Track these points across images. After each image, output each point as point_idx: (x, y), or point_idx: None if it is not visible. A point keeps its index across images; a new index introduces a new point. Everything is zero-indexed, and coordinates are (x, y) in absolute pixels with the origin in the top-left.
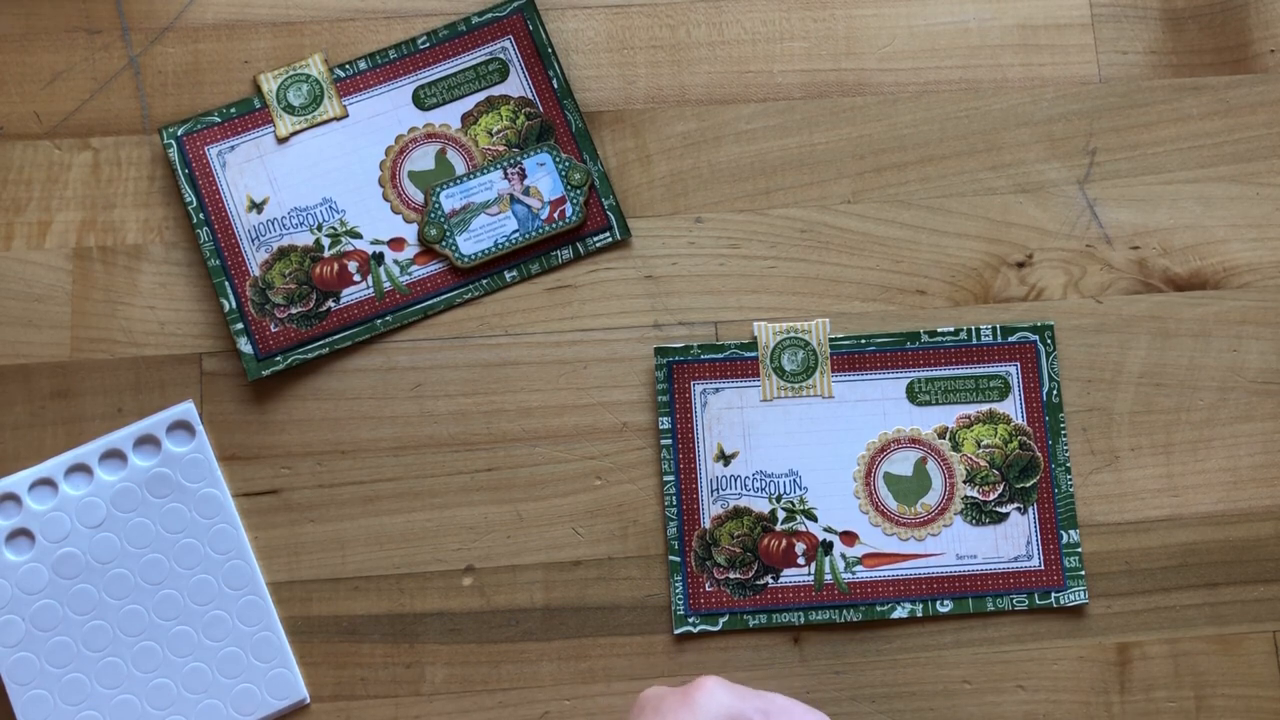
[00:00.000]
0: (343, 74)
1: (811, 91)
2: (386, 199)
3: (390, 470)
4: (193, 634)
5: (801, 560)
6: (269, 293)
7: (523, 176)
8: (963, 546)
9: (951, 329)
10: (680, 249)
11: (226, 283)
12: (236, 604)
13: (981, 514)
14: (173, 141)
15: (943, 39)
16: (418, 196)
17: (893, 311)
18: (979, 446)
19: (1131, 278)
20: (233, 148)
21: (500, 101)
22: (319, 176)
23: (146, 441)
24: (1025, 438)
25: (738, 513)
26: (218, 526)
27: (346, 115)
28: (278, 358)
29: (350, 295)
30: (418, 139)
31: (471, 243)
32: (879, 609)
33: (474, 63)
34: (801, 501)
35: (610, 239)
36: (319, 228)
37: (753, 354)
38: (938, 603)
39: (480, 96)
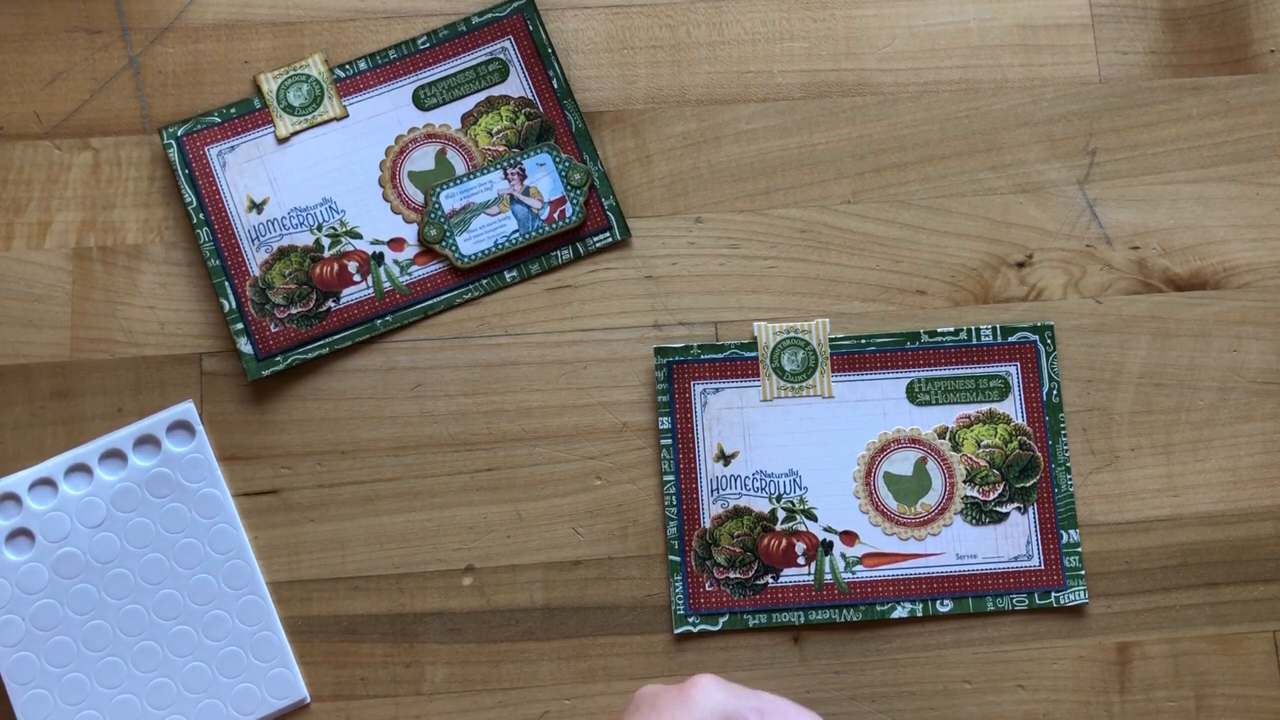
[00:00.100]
0: (343, 74)
1: (811, 91)
2: (386, 199)
3: (390, 470)
4: (193, 634)
5: (801, 560)
6: (269, 293)
7: (523, 177)
8: (963, 546)
9: (951, 329)
10: (680, 249)
11: (226, 283)
12: (236, 604)
13: (981, 514)
14: (173, 141)
15: (943, 39)
16: (418, 197)
17: (893, 311)
18: (979, 446)
19: (1131, 278)
20: (233, 148)
21: (500, 101)
22: (319, 176)
23: (146, 441)
24: (1025, 438)
25: (738, 512)
26: (218, 526)
27: (346, 115)
28: (278, 358)
29: (350, 295)
30: (418, 139)
31: (471, 243)
32: (879, 609)
33: (474, 63)
34: (801, 501)
35: (610, 239)
36: (319, 228)
37: (753, 354)
38: (938, 602)
39: (480, 96)
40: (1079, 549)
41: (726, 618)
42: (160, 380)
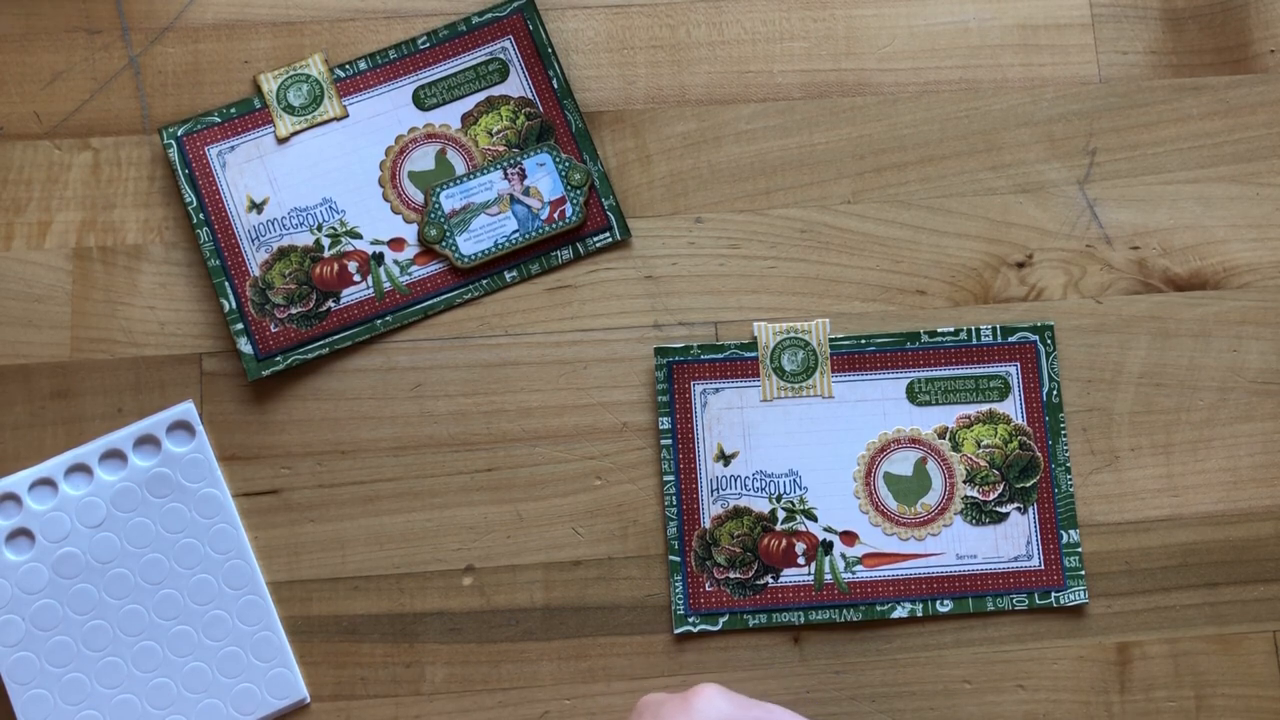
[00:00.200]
0: (343, 74)
1: (811, 91)
2: (386, 199)
3: (390, 470)
4: (193, 634)
5: (801, 560)
6: (269, 293)
7: (523, 176)
8: (963, 546)
9: (951, 329)
10: (680, 249)
11: (226, 283)
12: (236, 604)
13: (981, 514)
14: (173, 141)
15: (943, 39)
16: (418, 197)
17: (893, 311)
18: (979, 446)
19: (1131, 278)
20: (233, 148)
21: (500, 101)
22: (319, 176)
23: (146, 441)
24: (1025, 438)
25: (738, 513)
26: (218, 526)
27: (346, 115)
28: (278, 358)
29: (350, 295)
30: (418, 139)
31: (471, 243)
32: (879, 609)
33: (474, 63)
34: (801, 501)
35: (610, 239)
36: (319, 228)
37: (753, 354)
38: (938, 602)
39: (480, 96)
40: (1079, 549)
41: (726, 618)
42: (160, 380)
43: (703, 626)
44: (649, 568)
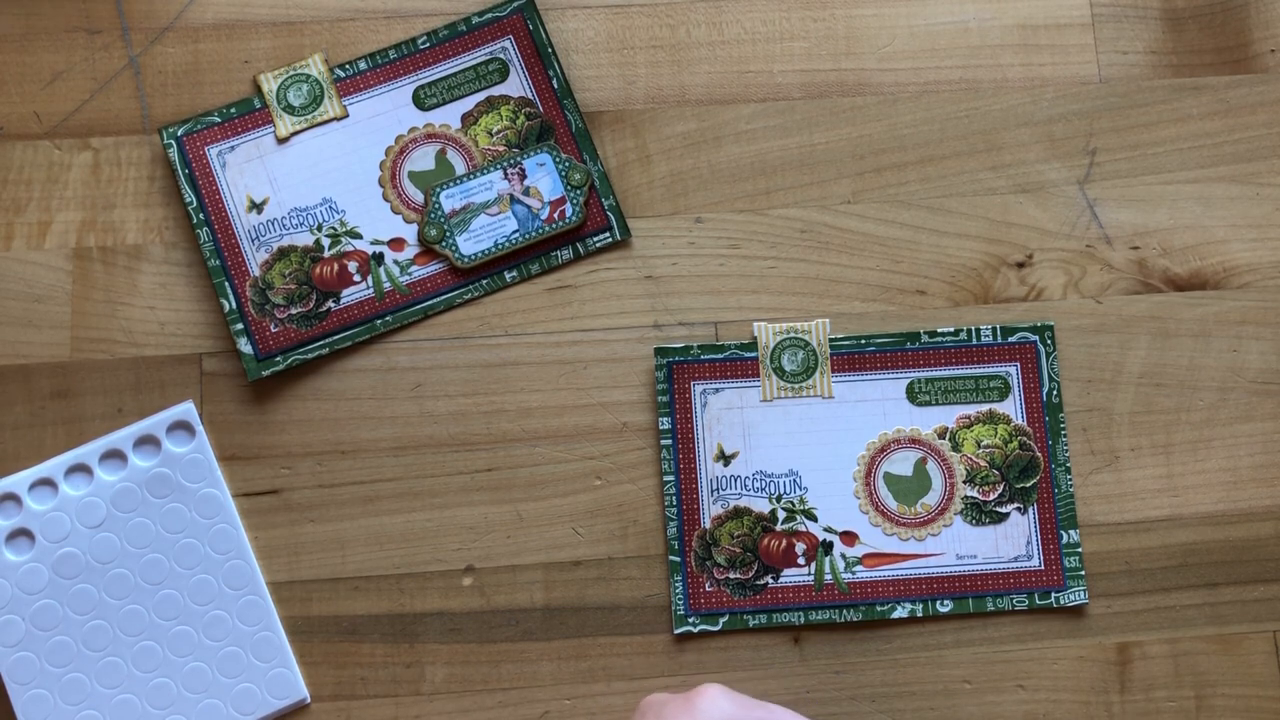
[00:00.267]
0: (343, 74)
1: (811, 91)
2: (386, 199)
3: (390, 470)
4: (193, 634)
5: (801, 560)
6: (269, 293)
7: (523, 176)
8: (963, 546)
9: (951, 329)
10: (680, 249)
11: (226, 283)
12: (236, 604)
13: (981, 514)
14: (173, 141)
15: (943, 39)
16: (418, 196)
17: (893, 311)
18: (979, 446)
19: (1131, 278)
20: (233, 148)
21: (500, 101)
22: (319, 176)
23: (146, 441)
24: (1025, 438)
25: (738, 513)
26: (218, 526)
27: (346, 115)
28: (278, 358)
29: (350, 295)
30: (418, 139)
31: (471, 243)
32: (879, 609)
33: (474, 63)
34: (801, 501)
35: (610, 239)
36: (319, 228)
37: (753, 354)
38: (938, 603)
39: (480, 96)
40: (1079, 549)
41: (726, 618)
42: (160, 380)
43: (703, 627)
44: (649, 568)
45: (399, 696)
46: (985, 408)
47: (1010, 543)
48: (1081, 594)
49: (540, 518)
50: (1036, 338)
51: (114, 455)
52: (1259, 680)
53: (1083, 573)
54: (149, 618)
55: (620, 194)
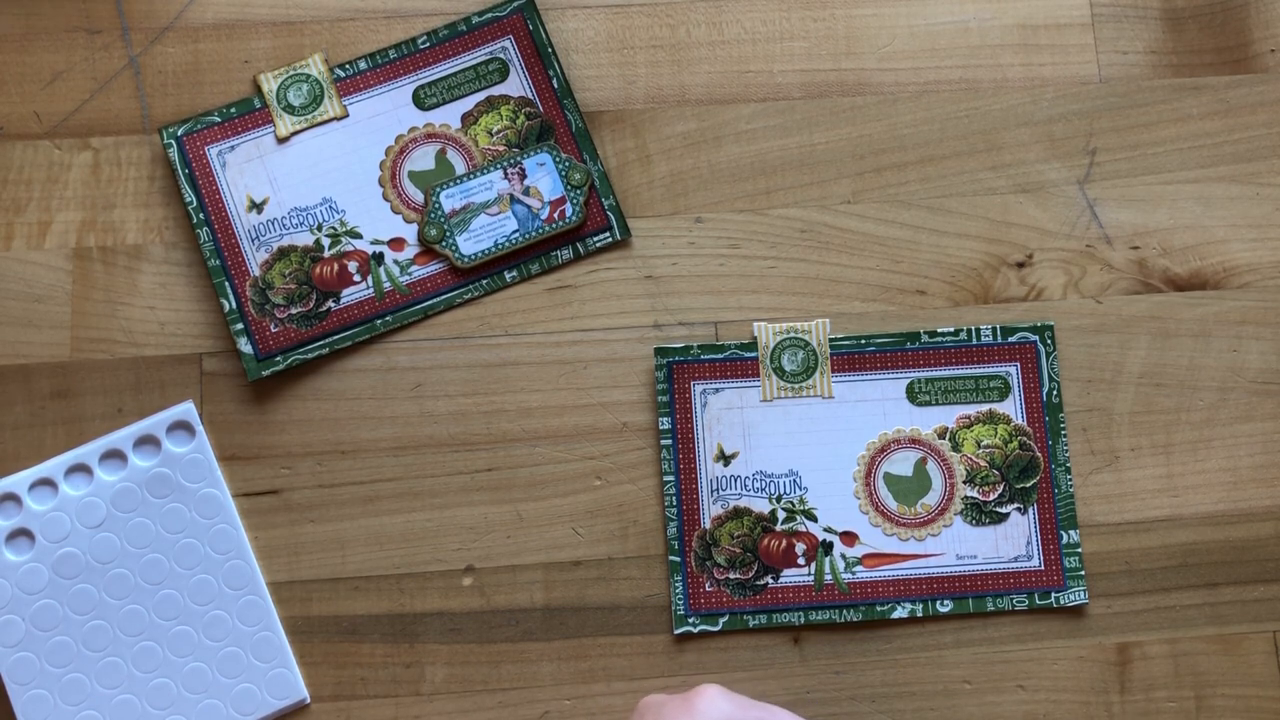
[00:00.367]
0: (343, 74)
1: (811, 91)
2: (386, 199)
3: (390, 470)
4: (193, 634)
5: (801, 560)
6: (269, 293)
7: (523, 176)
8: (963, 547)
9: (951, 329)
10: (680, 249)
11: (226, 283)
12: (236, 604)
13: (981, 514)
14: (173, 141)
15: (943, 39)
16: (418, 196)
17: (893, 311)
18: (979, 447)
19: (1131, 278)
20: (233, 148)
21: (500, 101)
22: (319, 176)
23: (146, 441)
24: (1025, 438)
25: (738, 513)
26: (218, 526)
27: (346, 115)
28: (278, 358)
29: (350, 295)
30: (418, 139)
31: (471, 243)
32: (879, 609)
33: (474, 63)
34: (801, 501)
35: (610, 239)
36: (319, 228)
37: (753, 354)
38: (938, 603)
39: (480, 96)
40: (1079, 549)
41: (726, 618)
42: (160, 380)
43: (703, 627)
44: (649, 568)
45: (399, 697)
46: (985, 408)
47: (1010, 543)
48: (1081, 594)
49: (540, 518)
50: (1036, 338)
51: (114, 455)
52: (1259, 680)
53: (1083, 573)
54: (149, 618)
55: (620, 194)
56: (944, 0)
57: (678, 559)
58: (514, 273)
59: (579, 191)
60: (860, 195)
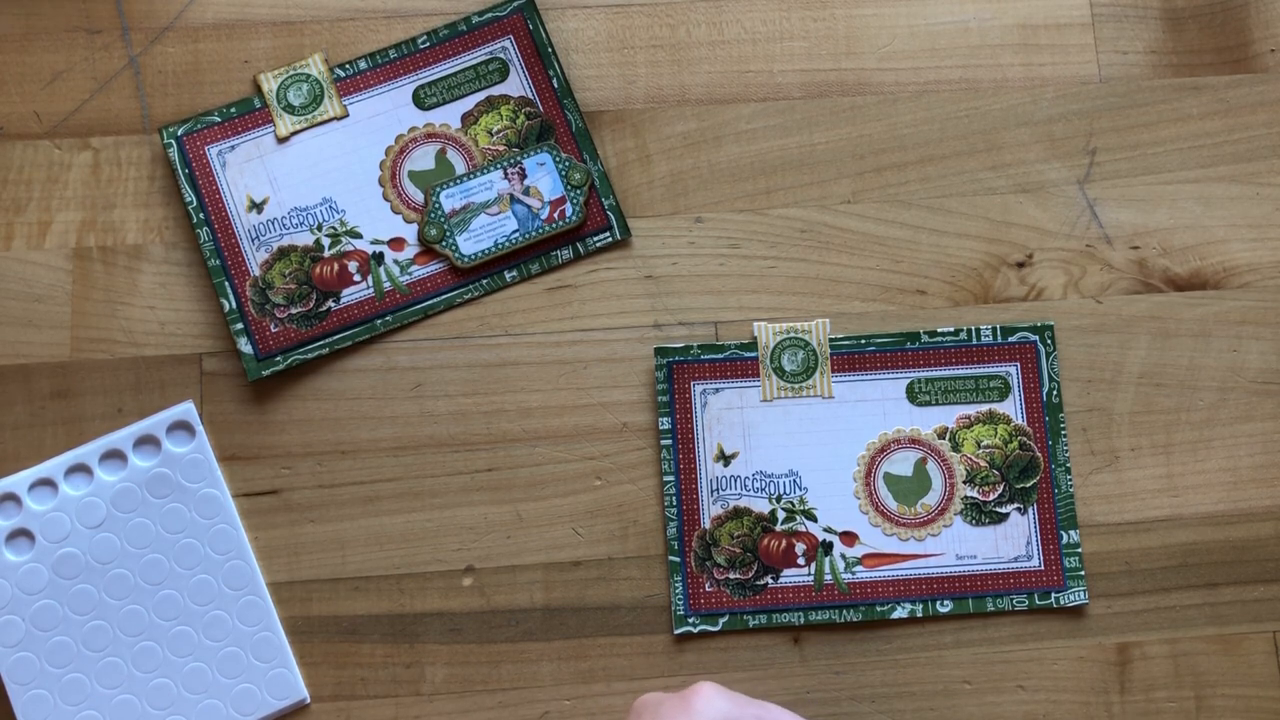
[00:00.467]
0: (343, 74)
1: (811, 91)
2: (386, 199)
3: (390, 470)
4: (193, 634)
5: (801, 560)
6: (269, 293)
7: (523, 176)
8: (963, 547)
9: (951, 329)
10: (680, 249)
11: (226, 283)
12: (236, 604)
13: (981, 514)
14: (173, 141)
15: (943, 39)
16: (418, 196)
17: (893, 311)
18: (979, 447)
19: (1131, 278)
20: (233, 147)
21: (500, 101)
22: (319, 176)
23: (146, 442)
24: (1025, 438)
25: (738, 513)
26: (218, 527)
27: (346, 115)
28: (278, 358)
29: (350, 295)
30: (418, 139)
31: (471, 243)
32: (879, 609)
33: (474, 62)
34: (801, 502)
35: (610, 239)
36: (319, 228)
37: (753, 354)
38: (938, 603)
39: (480, 96)
40: (1079, 549)
41: (726, 618)
42: (160, 380)
43: (703, 627)
44: (649, 568)
45: (399, 697)
46: (985, 408)
47: (1010, 543)
48: (1081, 594)
49: (540, 518)
50: (1036, 338)
51: (114, 455)
52: (1259, 680)
53: (1083, 573)
54: (149, 618)
55: (620, 194)
56: (944, 0)
57: (678, 559)
58: (514, 273)
59: (579, 191)
60: (860, 195)
